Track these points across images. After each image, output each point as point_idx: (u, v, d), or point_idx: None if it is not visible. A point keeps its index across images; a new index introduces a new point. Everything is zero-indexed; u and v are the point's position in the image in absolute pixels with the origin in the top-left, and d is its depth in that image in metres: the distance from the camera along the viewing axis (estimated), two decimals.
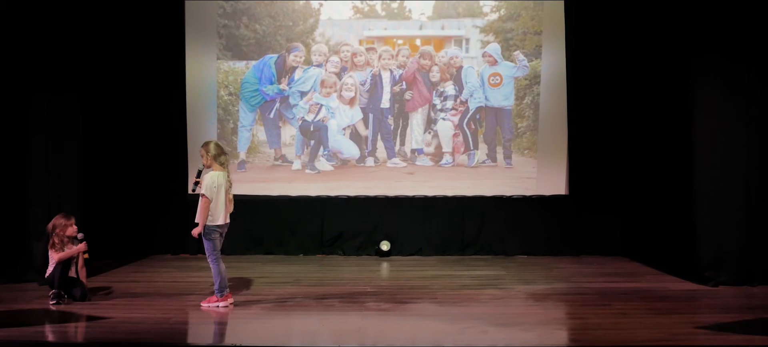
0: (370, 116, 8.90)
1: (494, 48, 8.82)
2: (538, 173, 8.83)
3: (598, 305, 6.34)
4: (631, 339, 5.25)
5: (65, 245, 6.41)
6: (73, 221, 6.47)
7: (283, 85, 8.86)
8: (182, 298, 6.58)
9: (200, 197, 6.06)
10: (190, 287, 7.04)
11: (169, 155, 8.91)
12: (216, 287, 6.18)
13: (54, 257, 6.34)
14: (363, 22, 8.91)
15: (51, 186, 7.30)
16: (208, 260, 6.13)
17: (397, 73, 8.86)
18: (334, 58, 8.85)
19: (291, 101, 8.87)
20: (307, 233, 9.01)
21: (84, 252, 6.46)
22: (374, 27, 8.91)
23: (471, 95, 8.84)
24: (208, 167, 6.16)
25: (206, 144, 6.21)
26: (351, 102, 8.86)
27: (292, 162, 8.93)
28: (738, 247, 7.02)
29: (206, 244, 6.11)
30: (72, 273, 6.46)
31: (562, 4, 8.73)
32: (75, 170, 7.47)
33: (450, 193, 8.88)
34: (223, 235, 6.24)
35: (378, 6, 8.93)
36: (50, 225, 6.41)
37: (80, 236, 6.46)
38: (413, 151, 8.93)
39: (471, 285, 7.21)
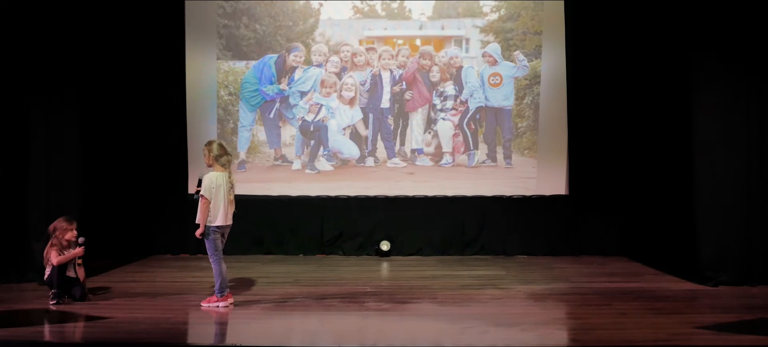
0: (370, 116, 8.90)
1: (494, 48, 8.82)
2: (538, 173, 8.83)
3: (598, 305, 6.34)
4: (631, 339, 5.25)
5: (64, 249, 6.40)
6: (74, 226, 6.45)
7: (283, 86, 8.86)
8: (182, 298, 6.57)
9: (200, 198, 6.07)
10: (190, 287, 7.03)
11: (169, 155, 8.91)
12: (216, 287, 6.18)
13: (52, 260, 6.33)
14: (363, 22, 8.91)
15: (51, 186, 7.29)
16: (210, 260, 6.14)
17: (397, 73, 8.86)
18: (334, 58, 8.85)
19: (291, 101, 8.87)
20: (307, 233, 9.01)
21: (79, 257, 6.44)
22: (374, 27, 8.91)
23: (471, 95, 8.84)
24: (210, 166, 6.16)
25: (209, 144, 6.20)
26: (351, 102, 8.86)
27: (292, 162, 8.94)
28: (738, 247, 7.02)
29: (207, 244, 6.11)
30: (71, 273, 6.45)
31: (562, 4, 8.73)
32: (75, 170, 7.47)
33: (450, 193, 8.88)
34: (226, 236, 6.24)
35: (378, 6, 8.93)
36: (51, 227, 6.40)
37: (81, 240, 6.45)
38: (413, 151, 8.93)
39: (471, 285, 7.21)
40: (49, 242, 6.39)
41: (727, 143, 7.02)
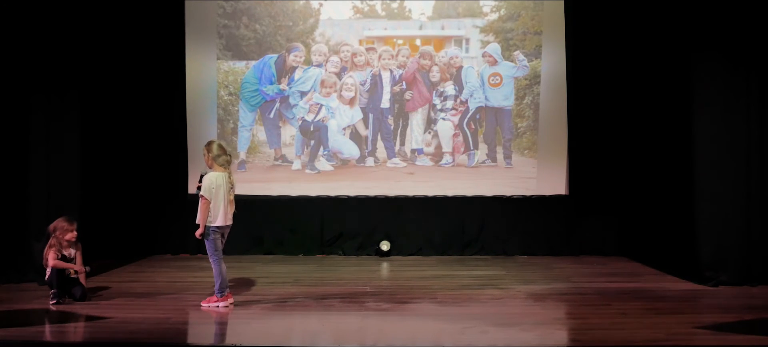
0: (370, 116, 8.90)
1: (494, 48, 8.82)
2: (538, 173, 8.83)
3: (598, 305, 6.34)
4: (631, 339, 5.25)
5: (63, 249, 6.40)
6: (74, 226, 6.46)
7: (283, 86, 8.86)
8: (182, 298, 6.57)
9: (200, 198, 6.07)
10: (190, 287, 7.04)
11: (170, 155, 8.91)
12: (216, 287, 6.18)
13: (49, 261, 6.33)
14: (363, 22, 8.91)
15: (51, 186, 7.29)
16: (210, 260, 6.14)
17: (397, 73, 8.86)
18: (334, 58, 8.85)
19: (291, 101, 8.87)
20: (307, 233, 9.01)
21: (74, 271, 6.43)
22: (374, 27, 8.91)
23: (471, 95, 8.84)
24: (210, 166, 6.17)
25: (209, 144, 6.21)
26: (351, 102, 8.86)
27: (292, 162, 8.94)
28: (738, 247, 7.02)
29: (207, 244, 6.11)
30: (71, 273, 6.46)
31: (562, 4, 8.73)
32: (75, 170, 7.47)
33: (450, 193, 8.88)
34: (226, 236, 6.24)
35: (378, 6, 8.93)
36: (52, 226, 6.41)
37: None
38: (413, 151, 8.93)
39: (471, 285, 7.21)
40: (49, 243, 6.39)
41: (727, 142, 7.02)
